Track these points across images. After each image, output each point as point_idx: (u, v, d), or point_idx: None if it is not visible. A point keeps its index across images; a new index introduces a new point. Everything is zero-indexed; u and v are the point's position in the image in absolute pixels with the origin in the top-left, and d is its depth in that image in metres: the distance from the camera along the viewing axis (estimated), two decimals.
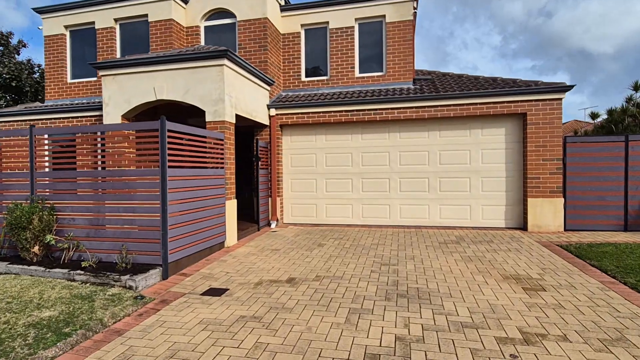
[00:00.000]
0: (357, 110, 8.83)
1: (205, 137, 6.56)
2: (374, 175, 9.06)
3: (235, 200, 7.34)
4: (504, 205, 8.41)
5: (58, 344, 3.30)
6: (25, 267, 5.16)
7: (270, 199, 9.24)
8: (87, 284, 4.75)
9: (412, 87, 9.30)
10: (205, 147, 6.53)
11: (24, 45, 15.60)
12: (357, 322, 3.72)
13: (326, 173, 9.35)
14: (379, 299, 4.30)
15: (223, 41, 9.49)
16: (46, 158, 6.39)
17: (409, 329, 3.53)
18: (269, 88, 9.18)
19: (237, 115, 7.55)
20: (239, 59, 7.22)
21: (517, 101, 8.06)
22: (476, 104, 8.24)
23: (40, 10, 10.02)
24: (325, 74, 10.03)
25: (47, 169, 6.71)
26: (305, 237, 7.94)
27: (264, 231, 8.62)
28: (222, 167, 6.93)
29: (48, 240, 5.25)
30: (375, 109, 8.74)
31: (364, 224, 9.11)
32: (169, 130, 5.26)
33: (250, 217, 9.56)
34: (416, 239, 7.46)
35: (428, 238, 7.55)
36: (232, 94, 7.13)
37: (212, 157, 6.73)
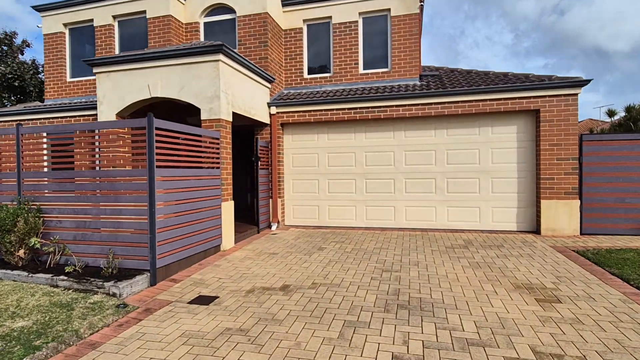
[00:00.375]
0: (360, 108, 8.48)
1: (200, 135, 6.30)
2: (378, 175, 8.70)
3: (232, 202, 7.06)
4: (516, 207, 7.97)
5: (24, 359, 3.05)
6: (8, 271, 4.95)
7: (270, 200, 8.95)
8: (70, 291, 4.51)
9: (418, 83, 8.91)
10: (200, 147, 6.27)
11: (28, 45, 15.60)
12: (352, 337, 3.38)
13: (329, 173, 9.02)
14: (377, 311, 3.96)
15: (223, 38, 9.23)
16: (45, 158, 6.20)
17: (408, 347, 3.19)
18: (269, 85, 8.88)
19: (235, 114, 7.27)
20: (236, 55, 6.94)
21: (530, 97, 7.61)
22: (486, 100, 7.82)
23: (39, 8, 9.90)
24: (329, 71, 9.70)
25: (45, 169, 6.52)
26: (305, 240, 7.63)
27: (264, 234, 8.33)
28: (218, 167, 6.66)
29: (33, 243, 5.03)
30: (379, 107, 8.38)
31: (368, 227, 8.75)
32: (157, 128, 4.99)
33: (252, 218, 9.28)
34: (421, 243, 7.08)
35: (434, 242, 7.17)
36: (228, 91, 6.85)
37: (208, 157, 6.46)
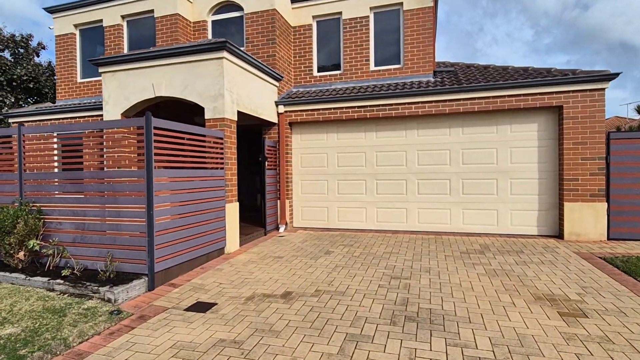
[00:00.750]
0: (371, 106, 8.16)
1: (203, 135, 6.12)
2: (390, 176, 8.36)
3: (237, 203, 6.86)
4: (537, 210, 7.50)
5: None
6: (7, 274, 4.86)
7: (278, 201, 8.72)
8: (65, 295, 4.38)
9: (432, 79, 8.53)
10: (204, 147, 6.10)
11: (43, 47, 15.89)
12: (353, 353, 3.11)
13: (338, 174, 8.73)
14: (382, 323, 3.67)
15: (231, 36, 9.07)
16: (48, 158, 6.14)
17: None
18: (277, 84, 8.67)
19: (240, 113, 7.07)
20: (241, 52, 6.74)
21: (552, 92, 7.14)
22: (504, 96, 7.39)
23: (50, 10, 9.97)
24: (339, 68, 9.41)
25: (53, 170, 6.47)
26: (313, 243, 7.37)
27: (271, 236, 8.12)
28: (222, 168, 6.47)
29: (31, 245, 4.94)
30: (391, 104, 8.04)
31: (379, 229, 8.43)
32: (156, 128, 4.83)
33: (260, 220, 9.08)
34: (434, 248, 6.73)
35: (448, 246, 6.80)
36: (233, 90, 6.65)
37: (212, 157, 6.28)
